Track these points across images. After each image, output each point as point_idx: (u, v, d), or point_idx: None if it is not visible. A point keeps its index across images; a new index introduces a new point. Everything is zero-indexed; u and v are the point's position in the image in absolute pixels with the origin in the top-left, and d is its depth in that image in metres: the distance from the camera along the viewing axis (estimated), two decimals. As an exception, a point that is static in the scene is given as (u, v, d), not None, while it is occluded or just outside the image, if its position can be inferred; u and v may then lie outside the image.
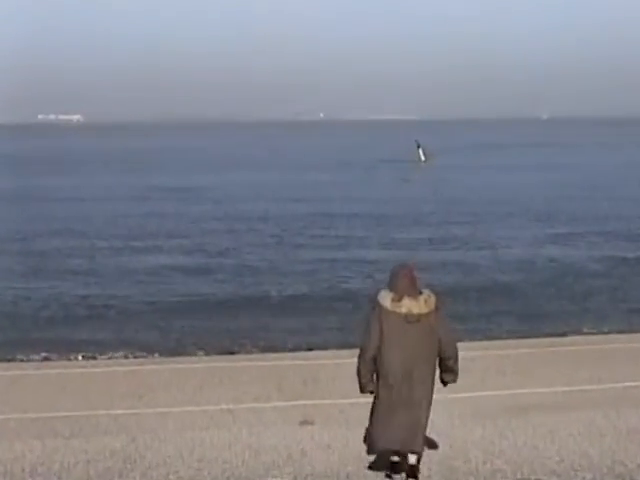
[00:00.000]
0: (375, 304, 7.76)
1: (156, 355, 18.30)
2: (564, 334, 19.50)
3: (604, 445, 10.80)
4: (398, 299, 7.73)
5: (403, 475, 8.17)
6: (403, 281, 7.82)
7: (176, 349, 18.82)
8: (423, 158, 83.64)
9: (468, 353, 17.02)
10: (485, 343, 18.37)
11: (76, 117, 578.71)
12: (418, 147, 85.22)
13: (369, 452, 8.49)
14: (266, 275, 27.45)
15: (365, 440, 8.79)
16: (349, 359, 14.52)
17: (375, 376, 7.91)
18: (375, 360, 7.77)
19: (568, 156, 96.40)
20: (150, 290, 25.31)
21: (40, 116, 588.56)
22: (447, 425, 11.76)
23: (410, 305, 7.71)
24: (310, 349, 18.47)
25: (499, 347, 17.61)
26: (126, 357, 18.22)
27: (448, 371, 8.16)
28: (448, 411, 12.59)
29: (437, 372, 8.33)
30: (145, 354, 18.42)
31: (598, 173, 69.40)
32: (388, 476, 8.46)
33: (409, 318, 7.69)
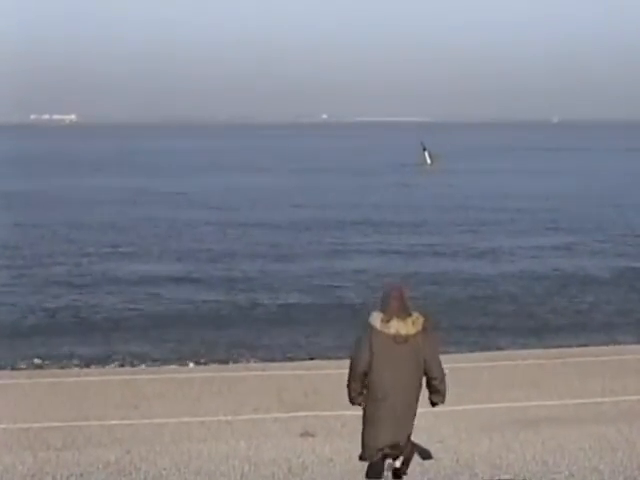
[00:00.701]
0: (367, 324, 8.36)
1: (152, 364, 18.29)
2: (573, 345, 19.49)
3: (616, 460, 10.79)
4: (387, 320, 8.28)
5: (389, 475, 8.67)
6: (393, 303, 8.35)
7: (172, 358, 18.81)
8: (429, 161, 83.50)
9: (475, 364, 17.05)
10: (492, 354, 18.37)
11: (70, 117, 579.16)
12: (424, 150, 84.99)
13: (362, 458, 8.82)
14: (261, 283, 27.40)
15: (362, 448, 8.80)
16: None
17: (365, 390, 8.51)
18: (365, 376, 8.39)
19: (575, 160, 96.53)
20: (144, 298, 25.26)
21: (33, 116, 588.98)
22: (454, 438, 11.77)
23: (398, 326, 8.26)
24: (311, 358, 18.46)
25: (507, 358, 17.59)
26: (121, 366, 18.22)
27: (435, 392, 8.60)
28: (455, 424, 12.59)
29: (424, 391, 8.68)
30: (141, 363, 18.41)
31: (606, 179, 69.36)
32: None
33: (397, 339, 8.27)
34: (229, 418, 13.13)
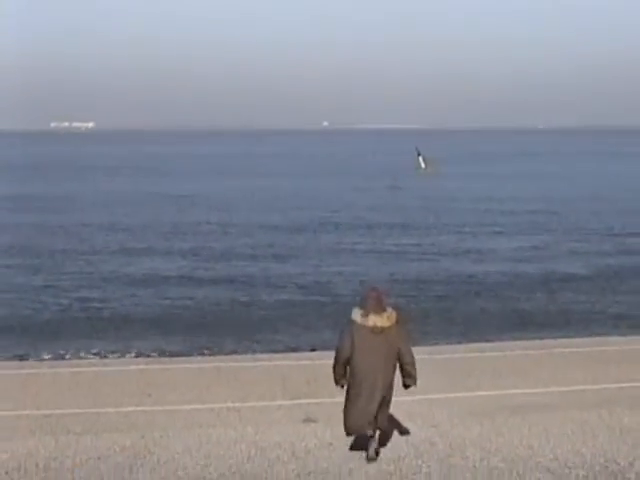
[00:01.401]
0: (349, 319, 9.35)
1: (165, 355, 18.30)
2: (556, 337, 19.47)
3: (597, 444, 10.79)
4: (366, 315, 9.26)
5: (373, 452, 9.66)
6: (370, 301, 9.30)
7: (183, 350, 18.83)
8: (423, 165, 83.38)
9: (466, 355, 17.08)
10: (482, 345, 18.37)
11: (88, 125, 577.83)
12: (418, 155, 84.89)
13: (347, 434, 9.75)
14: (263, 281, 27.34)
15: (344, 423, 9.76)
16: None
17: (347, 373, 9.43)
18: (347, 361, 9.34)
19: (558, 165, 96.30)
20: (153, 294, 25.24)
21: (53, 124, 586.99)
22: (447, 423, 11.76)
23: (375, 320, 9.22)
24: (313, 350, 18.46)
25: (495, 349, 17.61)
26: (136, 356, 18.22)
27: (407, 375, 9.52)
28: (448, 410, 12.61)
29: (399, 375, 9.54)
30: (154, 355, 18.42)
31: (586, 182, 69.11)
32: (369, 454, 9.77)
33: (374, 330, 9.23)
34: (237, 405, 13.14)
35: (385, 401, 9.38)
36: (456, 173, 79.30)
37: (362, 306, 9.34)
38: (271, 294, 25.21)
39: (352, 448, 9.68)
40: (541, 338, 19.27)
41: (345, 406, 9.50)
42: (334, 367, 9.44)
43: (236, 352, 18.46)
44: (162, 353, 18.51)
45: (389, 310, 9.32)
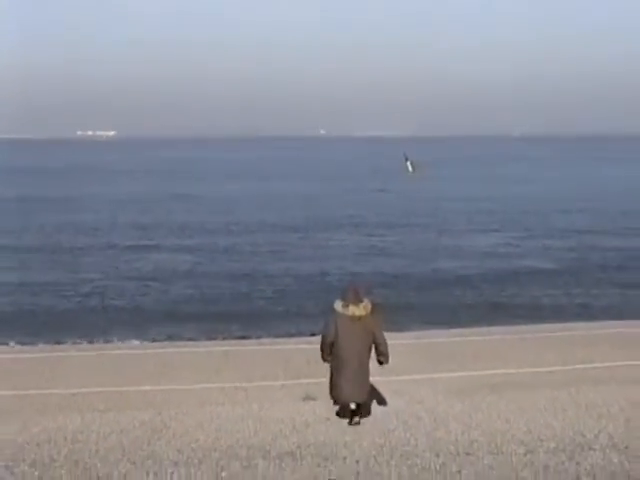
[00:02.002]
0: (332, 309, 10.35)
1: (179, 340, 18.31)
2: (529, 323, 19.46)
3: (566, 418, 10.85)
4: (346, 305, 10.24)
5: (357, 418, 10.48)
6: (349, 295, 10.29)
7: (195, 335, 18.83)
8: (410, 169, 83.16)
9: (448, 339, 17.11)
10: (462, 330, 18.39)
11: (109, 133, 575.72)
12: (406, 160, 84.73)
13: (334, 403, 10.59)
14: (263, 274, 27.13)
15: (330, 397, 10.59)
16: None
17: (332, 353, 10.35)
18: (332, 344, 10.27)
19: (530, 169, 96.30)
20: (169, 287, 25.16)
21: (79, 132, 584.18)
22: (431, 400, 11.80)
23: (354, 309, 10.21)
24: (312, 334, 18.48)
25: (475, 334, 17.63)
26: (153, 341, 18.24)
27: (380, 354, 10.35)
28: (432, 389, 12.64)
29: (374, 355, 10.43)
30: (169, 339, 18.44)
31: (556, 186, 68.97)
32: (352, 415, 10.56)
33: (353, 318, 10.20)
34: (243, 385, 13.17)
35: (363, 375, 10.27)
36: (441, 176, 79.25)
37: (343, 298, 10.30)
38: (271, 286, 25.17)
39: (338, 415, 10.61)
40: (516, 324, 19.29)
41: (330, 380, 10.46)
42: (321, 348, 10.42)
43: (242, 337, 18.46)
44: (176, 339, 18.51)
45: (365, 301, 10.25)
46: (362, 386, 10.31)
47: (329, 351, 10.34)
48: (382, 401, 11.45)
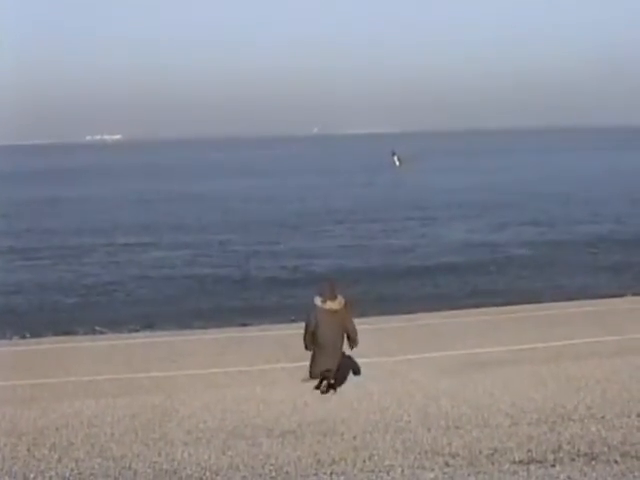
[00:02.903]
0: (312, 304, 11.40)
1: (185, 328, 18.30)
2: (511, 304, 19.47)
3: (547, 391, 10.90)
4: (324, 301, 11.32)
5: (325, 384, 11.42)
6: (326, 292, 11.36)
7: (200, 323, 18.80)
8: (397, 164, 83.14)
9: (438, 320, 17.13)
10: (450, 312, 18.40)
11: (115, 137, 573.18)
12: (393, 155, 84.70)
13: (311, 377, 11.58)
14: (260, 266, 27.02)
15: (309, 372, 11.56)
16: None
17: (313, 340, 11.39)
18: (313, 333, 11.33)
19: (505, 160, 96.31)
20: (166, 278, 25.12)
21: (88, 137, 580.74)
22: (423, 378, 11.85)
23: (331, 304, 11.31)
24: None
25: (462, 315, 17.65)
26: (162, 330, 18.21)
27: (351, 340, 11.50)
28: (423, 367, 12.67)
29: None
30: (176, 328, 18.41)
31: (528, 174, 69.00)
32: (321, 388, 11.48)
33: (330, 311, 11.28)
34: (247, 368, 13.18)
35: (338, 357, 11.41)
36: (429, 169, 79.20)
37: (321, 295, 11.40)
38: (271, 277, 25.12)
39: (316, 387, 11.49)
40: (499, 304, 19.29)
41: (311, 361, 11.56)
42: (304, 337, 11.51)
43: (245, 324, 18.46)
44: (183, 327, 18.49)
45: (339, 297, 11.41)
46: (334, 362, 11.44)
47: (310, 339, 11.41)
48: (357, 370, 12.41)
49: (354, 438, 9.39)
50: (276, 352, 14.20)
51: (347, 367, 12.09)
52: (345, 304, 11.43)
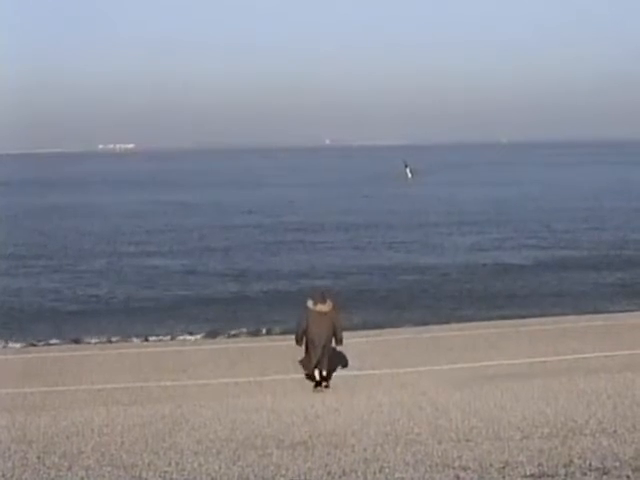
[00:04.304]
0: (304, 306, 12.67)
1: (195, 337, 18.28)
2: (522, 317, 19.37)
3: (558, 405, 10.82)
4: (315, 304, 12.58)
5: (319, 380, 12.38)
6: (317, 295, 12.73)
7: (211, 333, 18.76)
8: (410, 175, 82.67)
9: (448, 332, 17.07)
10: (460, 325, 18.34)
11: (127, 146, 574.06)
12: (406, 167, 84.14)
13: (304, 369, 12.82)
14: (260, 274, 26.95)
15: (303, 368, 12.89)
16: (352, 339, 14.55)
17: (304, 339, 12.64)
18: (304, 332, 12.58)
19: (514, 174, 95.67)
20: (184, 290, 24.97)
21: (100, 146, 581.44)
22: (433, 391, 11.79)
23: (321, 307, 12.58)
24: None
25: (472, 328, 17.58)
26: (172, 339, 18.20)
27: (338, 339, 12.74)
28: (434, 380, 12.62)
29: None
30: (186, 337, 18.38)
31: (536, 189, 68.41)
32: (316, 383, 12.55)
33: (320, 313, 12.53)
34: (257, 379, 13.16)
35: (327, 355, 12.60)
36: (435, 181, 78.95)
37: (312, 298, 12.66)
38: (278, 287, 25.03)
39: (308, 377, 12.64)
40: (508, 317, 19.18)
41: (304, 358, 12.80)
42: (296, 335, 12.70)
43: (255, 335, 18.43)
44: (194, 335, 18.42)
45: (329, 301, 12.66)
46: (324, 361, 12.59)
47: (302, 338, 12.66)
48: (346, 364, 13.67)
49: (365, 450, 9.33)
50: (287, 362, 14.16)
51: (336, 362, 13.41)
52: (333, 307, 12.70)
